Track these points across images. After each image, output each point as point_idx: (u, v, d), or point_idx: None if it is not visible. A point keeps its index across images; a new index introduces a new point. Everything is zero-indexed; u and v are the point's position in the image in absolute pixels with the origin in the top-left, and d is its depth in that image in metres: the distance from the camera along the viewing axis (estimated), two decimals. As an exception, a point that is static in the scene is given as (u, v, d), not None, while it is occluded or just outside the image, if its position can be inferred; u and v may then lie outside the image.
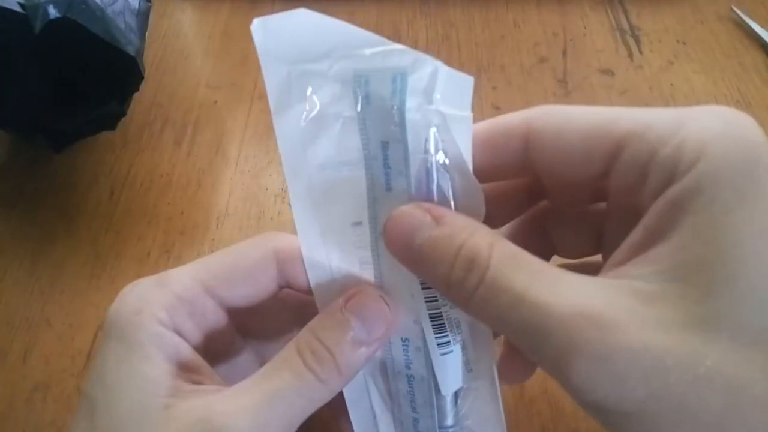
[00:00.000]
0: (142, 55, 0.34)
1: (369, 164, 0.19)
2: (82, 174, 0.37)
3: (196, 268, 0.20)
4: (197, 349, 0.20)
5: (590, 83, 0.40)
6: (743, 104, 0.39)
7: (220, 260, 0.20)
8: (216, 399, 0.18)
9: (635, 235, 0.17)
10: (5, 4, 0.28)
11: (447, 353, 0.20)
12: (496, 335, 0.21)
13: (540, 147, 0.19)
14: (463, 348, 0.21)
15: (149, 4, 0.37)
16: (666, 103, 0.39)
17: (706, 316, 0.14)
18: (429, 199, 0.18)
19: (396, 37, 0.44)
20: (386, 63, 0.18)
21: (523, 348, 0.16)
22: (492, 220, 0.19)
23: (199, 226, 0.34)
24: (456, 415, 0.22)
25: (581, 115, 0.18)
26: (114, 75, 0.34)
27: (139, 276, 0.32)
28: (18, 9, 0.28)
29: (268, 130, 0.39)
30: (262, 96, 0.41)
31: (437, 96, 0.18)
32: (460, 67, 0.41)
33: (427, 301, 0.20)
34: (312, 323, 0.19)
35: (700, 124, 0.16)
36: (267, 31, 0.18)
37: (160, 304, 0.19)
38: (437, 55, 0.43)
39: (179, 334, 0.19)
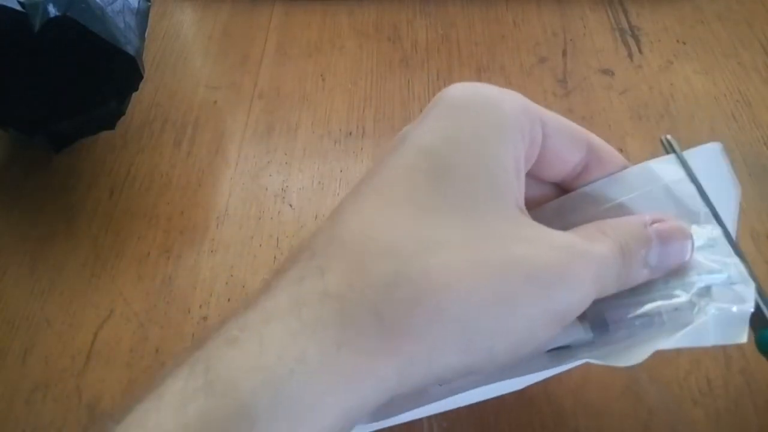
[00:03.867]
0: (142, 54, 0.34)
1: None
2: (82, 174, 0.37)
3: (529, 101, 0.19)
4: None
5: (590, 83, 0.40)
6: (743, 104, 0.39)
7: (549, 112, 0.19)
8: (560, 235, 0.17)
9: None
10: (5, 3, 0.28)
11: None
12: None
13: None
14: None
15: (149, 3, 0.37)
16: (666, 103, 0.39)
17: None
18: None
19: (396, 37, 0.44)
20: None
21: None
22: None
23: (199, 226, 0.34)
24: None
25: None
26: (113, 74, 0.34)
27: (139, 276, 0.32)
28: (18, 7, 0.28)
29: (268, 130, 0.39)
30: (262, 96, 0.41)
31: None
32: (461, 67, 0.42)
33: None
34: (613, 222, 0.19)
35: None
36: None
37: (519, 106, 0.18)
38: (437, 55, 0.43)
39: (523, 145, 0.18)
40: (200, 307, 0.31)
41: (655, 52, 0.42)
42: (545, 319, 0.17)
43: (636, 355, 0.18)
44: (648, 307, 0.19)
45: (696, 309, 0.19)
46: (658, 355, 0.28)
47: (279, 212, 0.35)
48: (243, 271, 0.32)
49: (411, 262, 0.15)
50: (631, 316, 0.20)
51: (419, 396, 0.18)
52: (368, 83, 0.41)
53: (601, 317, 0.20)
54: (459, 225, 0.16)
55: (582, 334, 0.20)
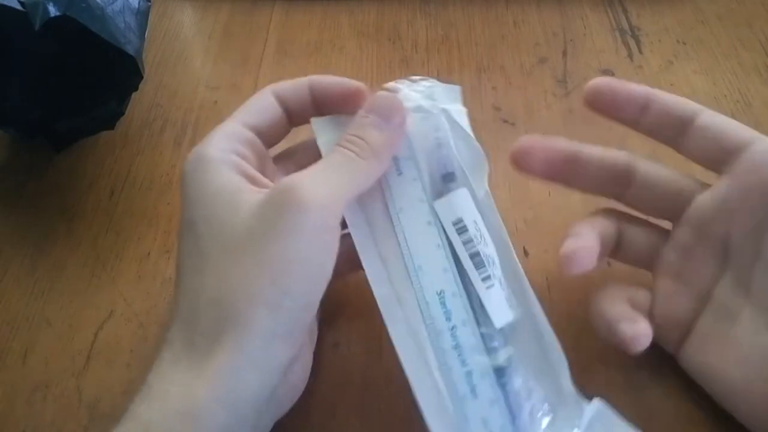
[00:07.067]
0: (142, 54, 0.34)
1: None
2: (82, 174, 0.37)
3: (226, 120, 0.26)
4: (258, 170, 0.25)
5: (590, 83, 0.40)
6: (743, 104, 0.39)
7: (241, 108, 0.26)
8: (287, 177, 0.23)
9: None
10: (5, 2, 0.28)
11: (490, 287, 0.23)
12: None
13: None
14: (501, 284, 0.23)
15: (149, 3, 0.37)
16: (666, 103, 0.39)
17: None
18: (441, 167, 0.25)
19: (396, 37, 0.44)
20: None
21: None
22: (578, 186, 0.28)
23: (199, 226, 0.34)
24: (507, 353, 0.23)
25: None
26: (114, 74, 0.34)
27: (139, 276, 0.32)
28: (18, 6, 0.28)
29: (268, 130, 0.39)
30: (262, 96, 0.41)
31: (437, 100, 0.26)
32: (461, 67, 0.42)
33: (465, 243, 0.24)
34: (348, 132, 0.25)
35: None
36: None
37: (217, 139, 0.24)
38: (437, 55, 0.43)
39: (240, 156, 0.24)
40: (200, 307, 0.31)
41: (655, 52, 0.42)
42: (316, 238, 0.22)
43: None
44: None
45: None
46: (659, 354, 0.28)
47: (279, 212, 0.35)
48: (243, 271, 0.32)
49: (206, 291, 0.22)
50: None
51: None
52: (368, 83, 0.41)
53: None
54: (217, 253, 0.22)
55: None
